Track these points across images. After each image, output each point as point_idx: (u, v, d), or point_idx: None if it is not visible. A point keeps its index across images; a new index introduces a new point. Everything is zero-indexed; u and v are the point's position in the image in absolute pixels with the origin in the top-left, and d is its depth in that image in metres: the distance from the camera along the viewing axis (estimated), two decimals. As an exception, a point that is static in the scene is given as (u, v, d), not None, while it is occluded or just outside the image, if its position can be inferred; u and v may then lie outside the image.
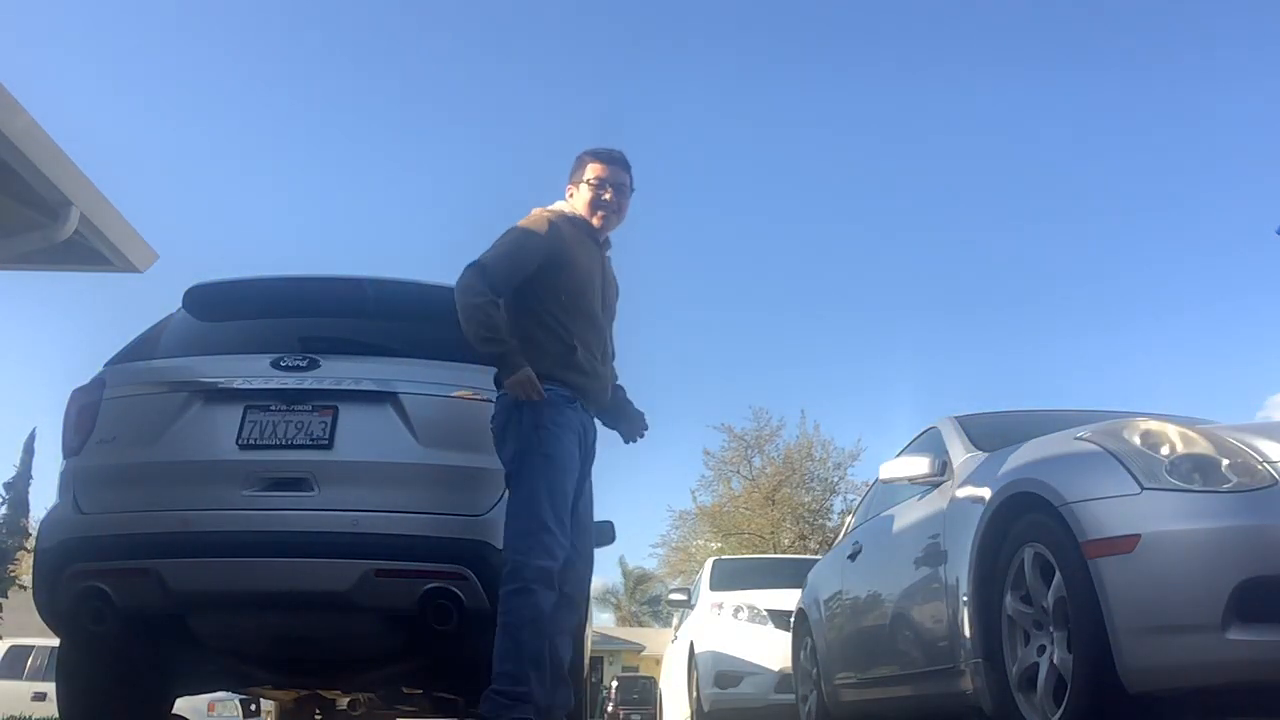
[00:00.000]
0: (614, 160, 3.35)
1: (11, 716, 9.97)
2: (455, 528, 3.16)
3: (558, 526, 2.95)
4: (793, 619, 5.84)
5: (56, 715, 3.71)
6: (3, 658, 12.72)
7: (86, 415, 3.36)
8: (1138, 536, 2.42)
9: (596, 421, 3.31)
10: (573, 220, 3.28)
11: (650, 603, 43.12)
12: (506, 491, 3.11)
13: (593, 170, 3.31)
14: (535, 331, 3.11)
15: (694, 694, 7.59)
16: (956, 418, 4.17)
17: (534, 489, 2.95)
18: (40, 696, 11.19)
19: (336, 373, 3.30)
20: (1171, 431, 2.62)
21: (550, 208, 3.31)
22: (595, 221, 3.29)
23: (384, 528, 3.12)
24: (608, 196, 3.30)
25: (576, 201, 3.32)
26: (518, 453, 3.00)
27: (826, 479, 24.96)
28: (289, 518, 3.11)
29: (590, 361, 3.17)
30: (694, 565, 22.21)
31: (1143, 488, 2.50)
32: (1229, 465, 2.48)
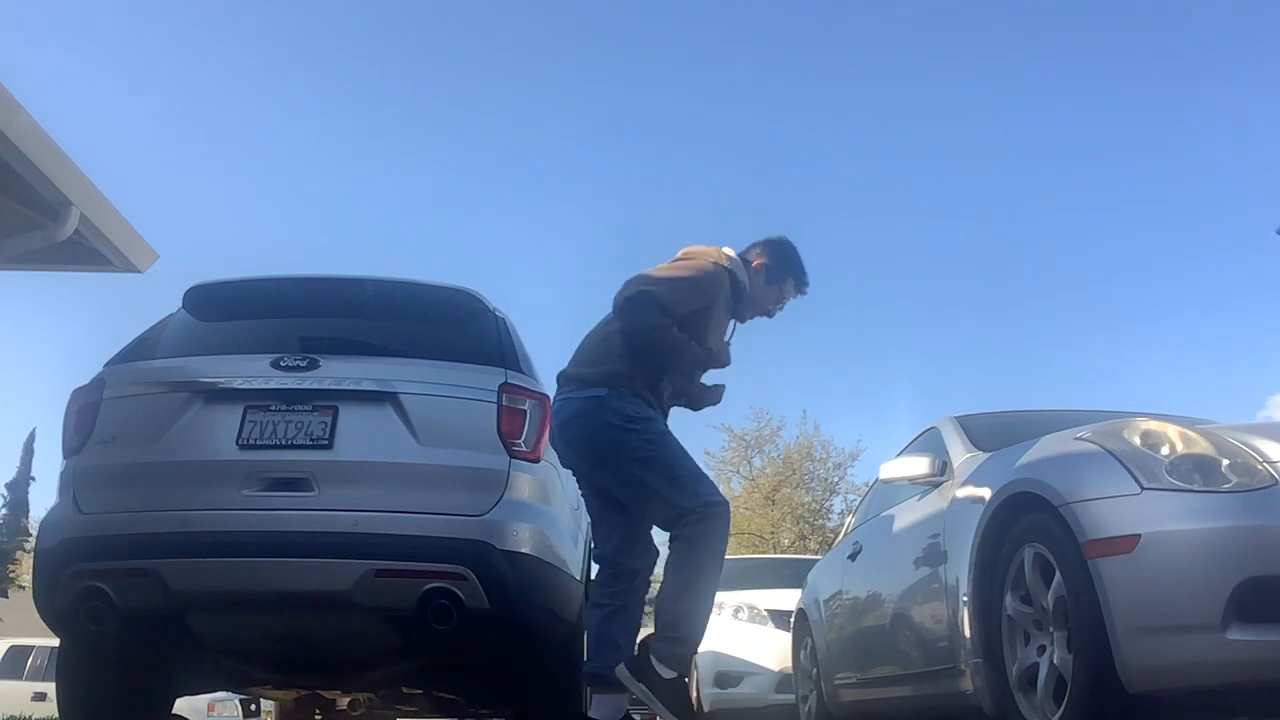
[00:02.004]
0: (804, 289, 3.50)
1: (11, 716, 9.97)
2: (455, 528, 3.16)
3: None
4: (793, 619, 5.84)
5: (56, 715, 3.71)
6: (3, 658, 12.75)
7: (86, 415, 3.36)
8: (1138, 536, 2.42)
9: None
10: (736, 286, 3.31)
11: (650, 603, 43.12)
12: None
13: (787, 291, 3.46)
14: (651, 324, 3.11)
15: (694, 694, 7.59)
16: (956, 418, 4.17)
17: (668, 451, 3.07)
18: (40, 696, 11.21)
19: (336, 373, 3.30)
20: (1171, 431, 2.62)
21: (729, 264, 3.30)
22: (741, 313, 3.40)
23: (384, 528, 3.12)
24: (777, 314, 3.50)
25: (753, 282, 3.37)
26: (638, 438, 3.06)
27: (826, 479, 24.97)
28: (289, 518, 3.11)
29: (663, 396, 3.26)
30: (694, 565, 22.17)
31: (1143, 488, 2.50)
32: (1229, 465, 2.48)
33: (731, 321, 3.41)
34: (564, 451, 3.22)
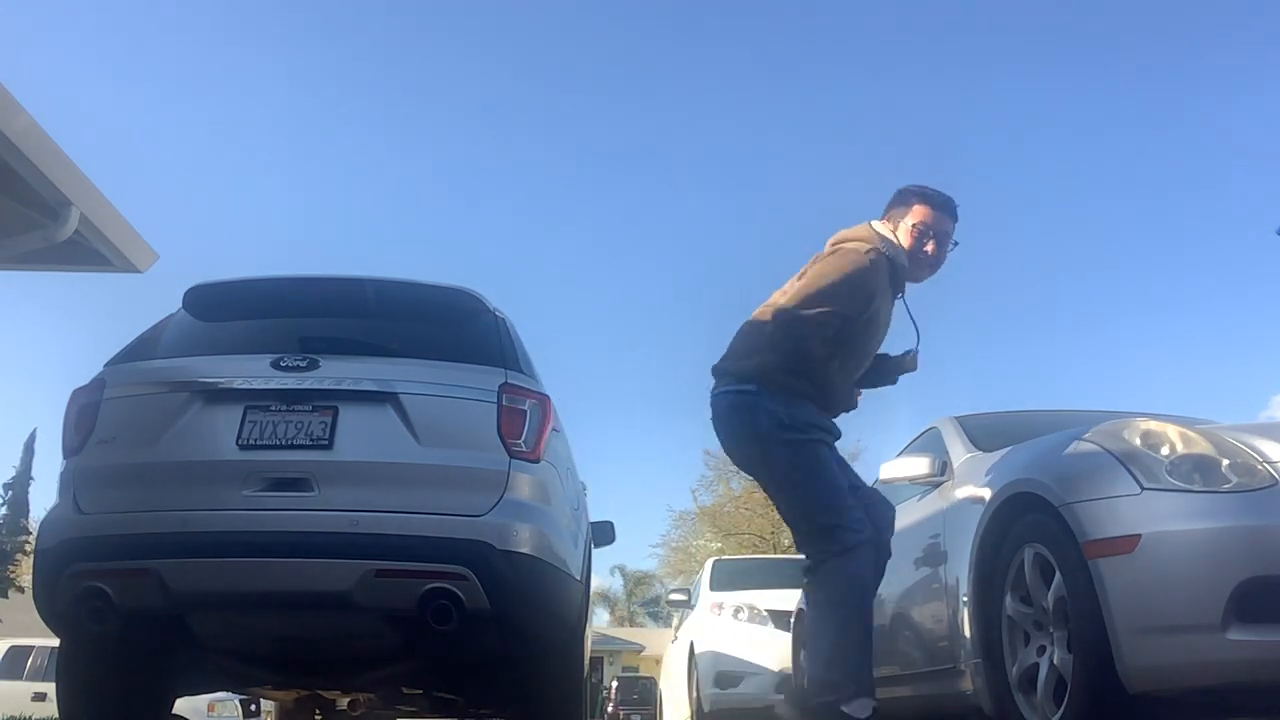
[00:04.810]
0: (942, 207, 3.12)
1: (11, 717, 9.97)
2: (455, 528, 3.15)
3: (848, 499, 3.02)
4: (793, 619, 5.84)
5: (56, 715, 3.71)
6: (3, 658, 12.74)
7: (86, 415, 3.35)
8: (1138, 537, 2.42)
9: None
10: (892, 262, 3.09)
11: (649, 603, 43.19)
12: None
13: (918, 215, 3.11)
14: (810, 347, 2.97)
15: (694, 694, 7.59)
16: (956, 418, 4.17)
17: (809, 476, 3.00)
18: (40, 696, 11.21)
19: (336, 373, 3.30)
20: (1171, 431, 2.62)
21: (878, 243, 3.08)
22: (913, 275, 3.16)
23: (384, 528, 3.11)
24: (929, 249, 3.12)
25: (904, 244, 3.12)
26: (784, 451, 3.00)
27: (827, 479, 24.93)
28: (289, 518, 3.10)
29: (828, 381, 3.10)
30: (694, 565, 22.20)
31: (1143, 488, 2.50)
32: (1229, 465, 2.48)
33: (900, 299, 3.21)
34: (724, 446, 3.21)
